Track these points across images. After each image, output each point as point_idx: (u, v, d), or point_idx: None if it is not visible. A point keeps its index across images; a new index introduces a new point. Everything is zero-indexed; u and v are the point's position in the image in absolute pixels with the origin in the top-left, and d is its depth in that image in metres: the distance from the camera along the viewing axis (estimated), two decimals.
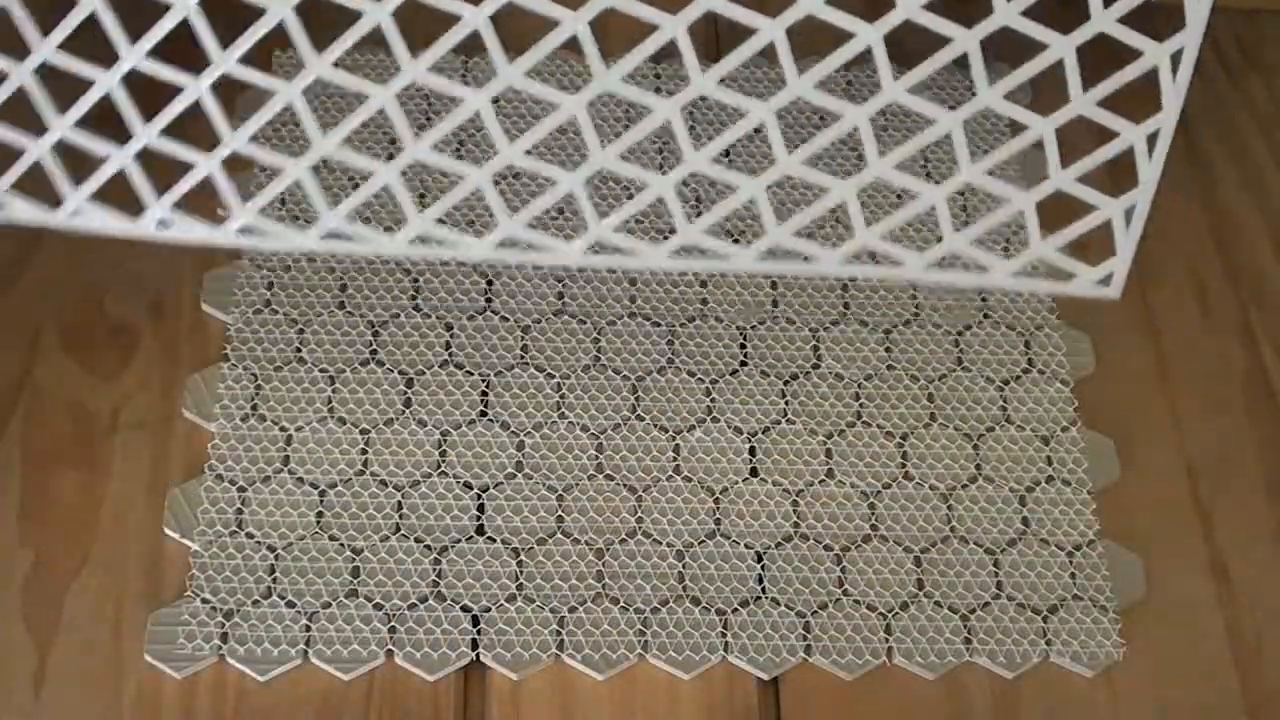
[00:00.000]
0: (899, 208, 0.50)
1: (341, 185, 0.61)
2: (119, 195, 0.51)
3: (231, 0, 0.46)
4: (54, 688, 0.49)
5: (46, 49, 0.45)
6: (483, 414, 0.56)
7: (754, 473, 0.55)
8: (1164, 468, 0.57)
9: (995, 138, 0.65)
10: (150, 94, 0.48)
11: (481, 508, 0.54)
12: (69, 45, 0.46)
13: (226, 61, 0.46)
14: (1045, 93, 0.47)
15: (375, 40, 0.47)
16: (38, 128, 0.48)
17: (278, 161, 0.49)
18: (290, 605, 0.51)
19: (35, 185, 0.51)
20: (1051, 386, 0.58)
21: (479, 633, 0.51)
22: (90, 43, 0.46)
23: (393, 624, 0.51)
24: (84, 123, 0.47)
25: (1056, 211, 0.52)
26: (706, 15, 0.45)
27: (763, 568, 0.53)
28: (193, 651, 0.50)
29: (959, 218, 0.62)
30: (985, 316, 0.60)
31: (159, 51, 0.46)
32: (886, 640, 0.52)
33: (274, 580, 0.51)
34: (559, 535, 0.53)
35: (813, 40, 0.47)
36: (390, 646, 0.50)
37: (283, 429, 0.55)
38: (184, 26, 0.46)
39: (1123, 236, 0.48)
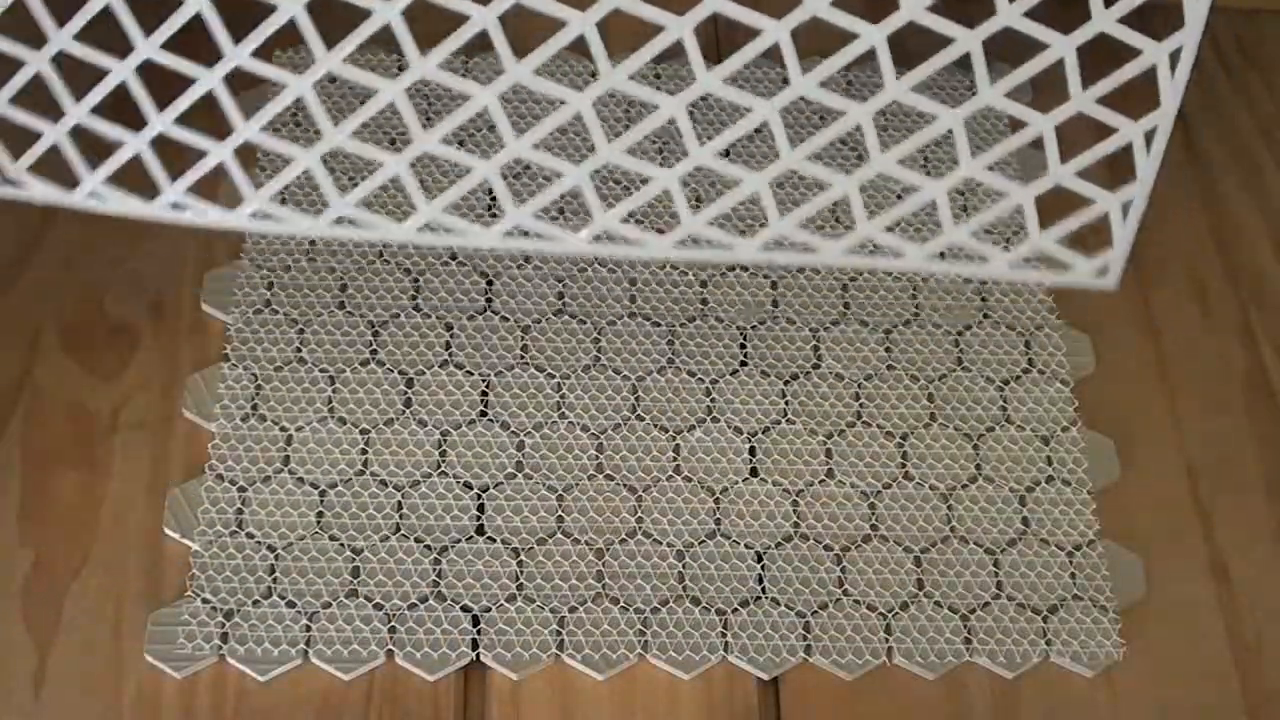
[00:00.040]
0: (900, 204, 0.50)
1: (343, 186, 0.61)
2: (134, 184, 0.51)
3: None
4: (54, 688, 0.49)
5: (63, 38, 0.46)
6: (483, 414, 0.56)
7: (754, 473, 0.55)
8: (1164, 468, 0.57)
9: (996, 138, 0.65)
10: (156, 88, 0.49)
11: (481, 508, 0.54)
12: (86, 36, 0.47)
13: (239, 55, 0.46)
14: (1045, 93, 0.47)
15: (375, 41, 0.48)
16: (55, 115, 0.49)
17: (289, 151, 0.49)
18: (290, 605, 0.51)
19: (54, 171, 0.51)
20: (1051, 386, 0.58)
21: (479, 633, 0.51)
22: (107, 36, 0.47)
23: (393, 624, 0.51)
24: (98, 112, 0.48)
25: (1055, 212, 0.52)
26: (708, 17, 0.45)
27: (763, 568, 0.53)
28: (193, 651, 0.50)
29: (959, 217, 0.62)
30: (985, 316, 0.60)
31: (169, 45, 0.47)
32: (886, 640, 0.52)
33: (274, 580, 0.51)
34: (559, 535, 0.53)
35: (815, 42, 0.47)
36: (390, 646, 0.50)
37: (283, 429, 0.55)
38: (192, 20, 0.46)
39: (1120, 229, 0.48)
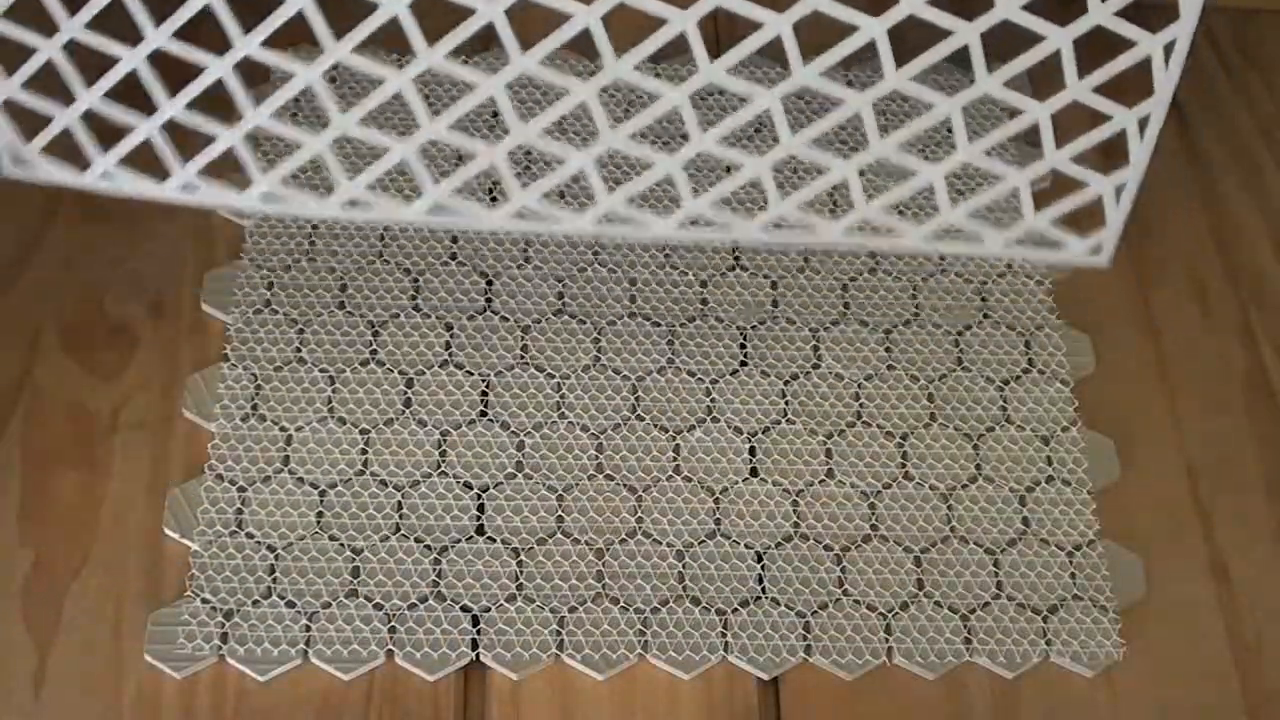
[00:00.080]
0: (899, 186, 0.51)
1: (348, 175, 0.61)
2: (145, 170, 0.52)
3: None
4: (54, 688, 0.49)
5: (74, 27, 0.47)
6: (483, 414, 0.56)
7: (754, 473, 0.55)
8: (1164, 468, 0.57)
9: (993, 126, 0.65)
10: (166, 77, 0.50)
11: (481, 508, 0.54)
12: (94, 24, 0.47)
13: (249, 45, 0.47)
14: (1042, 84, 0.48)
15: (374, 40, 0.48)
16: (63, 100, 0.50)
17: (299, 136, 0.50)
18: (290, 605, 0.51)
19: (64, 158, 0.52)
20: (1051, 386, 0.58)
21: (479, 633, 0.51)
22: (113, 24, 0.48)
23: (393, 624, 0.51)
24: (110, 98, 0.49)
25: (1052, 201, 0.52)
26: (709, 14, 0.45)
27: (763, 568, 0.53)
28: (193, 651, 0.50)
29: (956, 202, 0.62)
30: (985, 316, 0.60)
31: (178, 34, 0.48)
32: (886, 640, 0.52)
33: (274, 580, 0.51)
34: (559, 535, 0.53)
35: (816, 37, 0.47)
36: (390, 646, 0.50)
37: (283, 429, 0.55)
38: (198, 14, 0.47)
39: (1113, 210, 0.49)
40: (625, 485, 0.55)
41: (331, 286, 0.59)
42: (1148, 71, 0.46)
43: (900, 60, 0.47)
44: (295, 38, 0.48)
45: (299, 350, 0.57)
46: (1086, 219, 0.51)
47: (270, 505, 0.53)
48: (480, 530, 0.53)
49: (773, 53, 0.50)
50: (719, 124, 0.48)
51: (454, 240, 0.60)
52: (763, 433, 0.56)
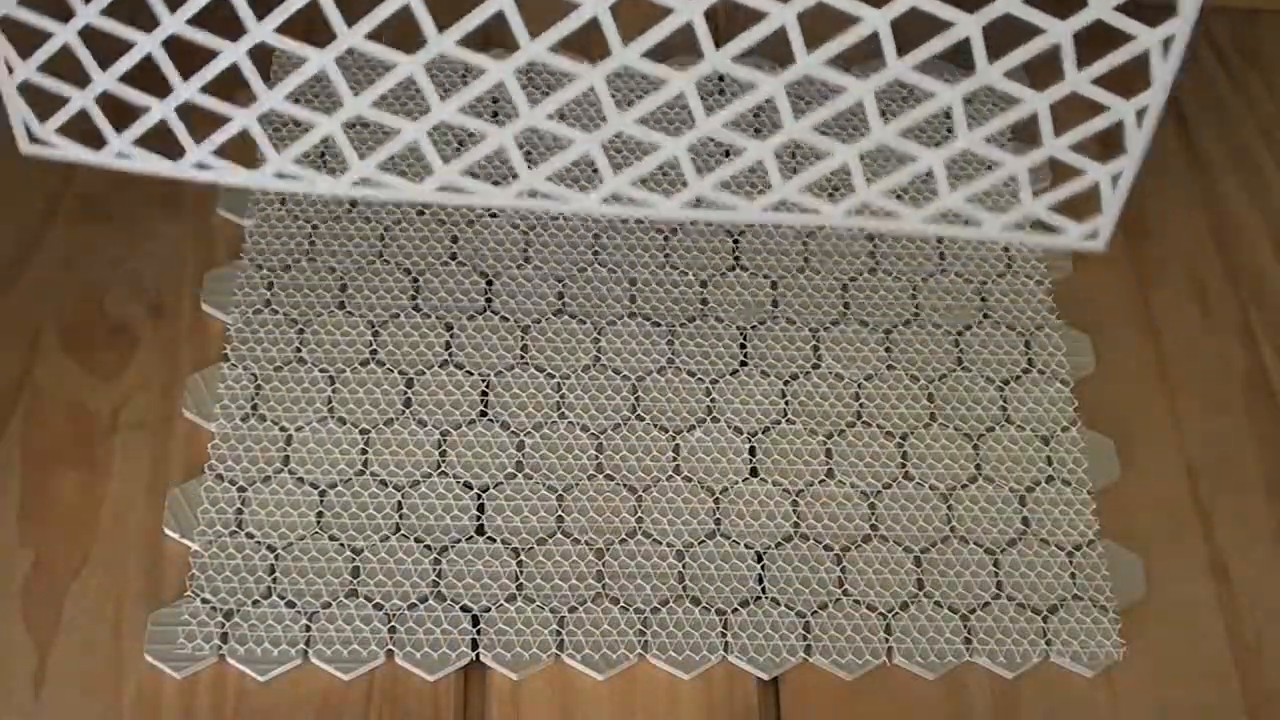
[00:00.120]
0: (899, 170, 0.51)
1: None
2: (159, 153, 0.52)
3: None
4: (54, 688, 0.49)
5: (90, 12, 0.48)
6: (483, 414, 0.56)
7: (754, 473, 0.55)
8: (1164, 468, 0.57)
9: (993, 113, 0.65)
10: (179, 61, 0.50)
11: (481, 508, 0.54)
12: (112, 11, 0.48)
13: (262, 31, 0.48)
14: (1040, 77, 0.48)
15: (374, 37, 0.48)
16: (76, 82, 0.51)
17: (312, 118, 0.50)
18: (290, 605, 0.51)
19: (83, 140, 0.52)
20: (1051, 386, 0.58)
21: (479, 633, 0.51)
22: (125, 8, 0.48)
23: (393, 624, 0.51)
24: (125, 81, 0.50)
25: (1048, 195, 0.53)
26: (713, 6, 0.46)
27: (763, 568, 0.53)
28: (193, 651, 0.50)
29: (955, 188, 0.62)
30: (985, 316, 0.60)
31: (192, 19, 0.49)
32: (886, 640, 0.52)
33: (274, 580, 0.51)
34: (559, 535, 0.53)
35: (818, 30, 0.47)
36: (390, 646, 0.50)
37: (283, 429, 0.55)
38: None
39: (1110, 196, 0.50)
40: (625, 485, 0.55)
41: (331, 286, 0.59)
42: (1146, 69, 0.47)
43: (901, 53, 0.47)
44: (307, 26, 0.49)
45: (299, 350, 0.57)
46: (1085, 210, 0.51)
47: (270, 505, 0.53)
48: (480, 530, 0.53)
49: (772, 50, 0.50)
50: (723, 109, 0.49)
51: (454, 240, 0.60)
52: (763, 433, 0.56)
